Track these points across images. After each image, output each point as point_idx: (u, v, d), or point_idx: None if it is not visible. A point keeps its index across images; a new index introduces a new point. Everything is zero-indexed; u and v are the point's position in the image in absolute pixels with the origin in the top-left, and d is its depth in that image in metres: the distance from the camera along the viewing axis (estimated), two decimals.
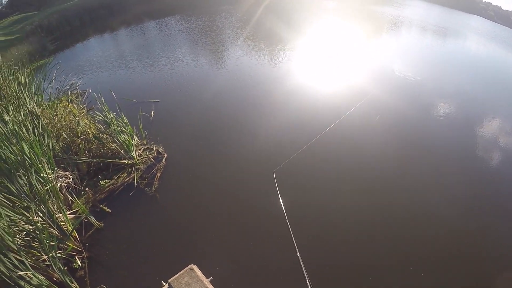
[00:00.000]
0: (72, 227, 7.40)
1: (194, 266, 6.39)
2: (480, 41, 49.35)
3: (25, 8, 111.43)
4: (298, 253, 7.54)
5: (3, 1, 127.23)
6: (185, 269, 6.32)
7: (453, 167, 12.01)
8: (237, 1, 44.96)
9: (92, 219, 7.87)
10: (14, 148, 8.22)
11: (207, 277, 6.37)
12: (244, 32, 28.18)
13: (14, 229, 6.61)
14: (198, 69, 18.76)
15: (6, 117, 9.85)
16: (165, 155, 10.30)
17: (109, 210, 8.42)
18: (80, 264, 7.11)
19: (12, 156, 8.04)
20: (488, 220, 9.59)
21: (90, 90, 14.68)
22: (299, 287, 6.94)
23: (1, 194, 7.18)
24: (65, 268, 6.72)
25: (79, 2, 73.67)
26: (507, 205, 10.44)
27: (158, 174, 9.50)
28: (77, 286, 6.55)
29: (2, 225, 6.25)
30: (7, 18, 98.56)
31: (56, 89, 14.51)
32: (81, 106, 13.08)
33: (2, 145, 8.37)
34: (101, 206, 8.51)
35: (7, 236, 6.09)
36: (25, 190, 7.46)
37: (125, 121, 10.68)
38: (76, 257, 7.23)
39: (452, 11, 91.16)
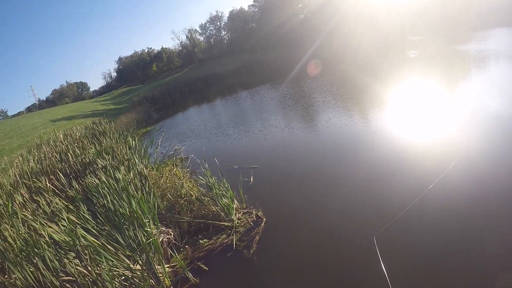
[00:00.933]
0: (169, 280, 7.75)
1: None
2: None
3: (131, 81, 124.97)
4: None
5: (112, 76, 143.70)
6: None
7: None
8: (322, 66, 46.24)
9: (189, 274, 8.03)
10: (124, 203, 9.00)
11: None
12: (332, 94, 28.73)
13: (114, 273, 7.06)
14: (291, 134, 19.27)
15: (118, 176, 10.81)
16: (264, 219, 10.30)
17: (206, 268, 8.50)
18: None
19: (121, 209, 8.85)
20: None
21: (192, 155, 15.67)
22: None
23: (108, 241, 7.79)
24: None
25: (178, 77, 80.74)
26: None
27: (257, 238, 9.50)
28: None
29: (104, 267, 6.77)
30: (116, 90, 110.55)
31: (161, 153, 15.87)
32: (185, 170, 14.00)
33: (114, 200, 9.24)
34: (198, 263, 8.65)
35: (107, 278, 6.53)
36: (130, 241, 8.05)
37: (226, 186, 11.06)
38: None
39: None
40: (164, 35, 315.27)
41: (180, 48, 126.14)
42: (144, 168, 12.56)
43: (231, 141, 19.30)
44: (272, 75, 50.51)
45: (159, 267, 7.83)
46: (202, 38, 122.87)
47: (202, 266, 8.57)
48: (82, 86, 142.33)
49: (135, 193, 9.91)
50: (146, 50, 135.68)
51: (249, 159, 15.46)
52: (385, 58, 49.06)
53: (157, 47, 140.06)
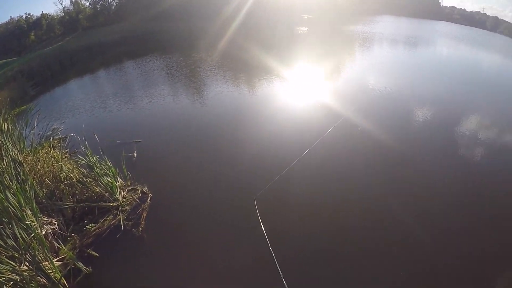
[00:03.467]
0: (60, 274, 6.97)
1: None
2: (450, 44, 51.56)
3: (6, 53, 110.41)
4: (284, 280, 7.28)
5: None
6: None
7: (438, 170, 11.96)
8: (210, 35, 45.82)
9: (80, 264, 7.38)
10: None
11: None
12: (219, 64, 28.46)
13: (1, 279, 6.25)
14: (177, 105, 18.65)
15: None
16: (149, 194, 9.91)
17: (96, 254, 7.94)
18: None
19: None
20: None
21: (72, 134, 14.14)
22: None
23: None
24: None
25: (59, 46, 73.81)
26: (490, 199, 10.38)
27: (144, 214, 9.14)
28: None
29: None
30: None
31: (38, 134, 13.95)
32: (63, 151, 12.62)
33: None
34: (88, 251, 8.03)
35: None
36: (10, 239, 7.01)
37: (108, 164, 10.32)
38: None
39: (419, 20, 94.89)
40: None
41: (63, 14, 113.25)
42: (19, 154, 11.12)
43: (114, 115, 17.82)
44: (160, 45, 48.46)
45: (47, 262, 7.02)
46: (87, 4, 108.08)
47: (93, 253, 7.99)
48: None
49: (10, 183, 8.77)
50: (24, 16, 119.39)
51: (132, 133, 14.50)
52: (273, 32, 49.75)
53: (37, 13, 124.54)
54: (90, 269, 7.55)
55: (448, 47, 48.08)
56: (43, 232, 7.75)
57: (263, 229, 8.63)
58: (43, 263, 6.97)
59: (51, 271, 7.03)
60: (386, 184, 10.99)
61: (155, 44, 50.02)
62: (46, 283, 6.77)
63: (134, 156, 12.55)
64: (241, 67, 26.57)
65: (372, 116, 16.27)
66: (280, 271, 7.36)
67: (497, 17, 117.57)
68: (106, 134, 13.70)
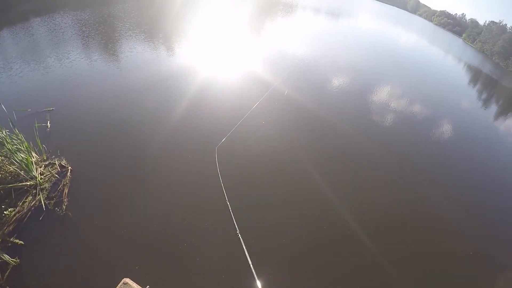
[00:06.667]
0: None
1: (128, 280, 5.65)
2: (370, 19, 54.91)
3: None
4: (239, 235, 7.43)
5: None
6: (119, 284, 5.53)
7: (350, 125, 14.90)
8: None
9: (6, 257, 6.54)
10: None
11: (143, 287, 5.64)
12: (135, 24, 25.53)
13: None
14: (91, 68, 16.09)
15: None
16: (69, 168, 8.90)
17: (21, 242, 7.09)
18: None
19: None
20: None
21: None
22: (242, 268, 6.90)
23: None
24: None
25: None
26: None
27: (66, 190, 8.19)
28: None
29: None
30: None
31: None
32: None
33: None
34: (11, 239, 7.12)
35: None
36: None
37: (20, 137, 8.90)
38: None
39: None
40: None
41: None
42: None
43: (20, 81, 14.40)
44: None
45: None
46: None
47: (17, 241, 7.15)
48: None
49: None
50: None
51: (43, 101, 12.37)
52: None
53: None
54: (18, 260, 6.79)
55: (369, 23, 51.12)
56: None
57: (220, 180, 9.07)
58: None
59: None
60: (307, 137, 12.88)
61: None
62: None
63: (48, 126, 10.92)
64: (160, 32, 24.32)
65: (295, 79, 18.76)
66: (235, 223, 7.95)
67: (418, 0, 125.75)
68: (14, 103, 11.52)
